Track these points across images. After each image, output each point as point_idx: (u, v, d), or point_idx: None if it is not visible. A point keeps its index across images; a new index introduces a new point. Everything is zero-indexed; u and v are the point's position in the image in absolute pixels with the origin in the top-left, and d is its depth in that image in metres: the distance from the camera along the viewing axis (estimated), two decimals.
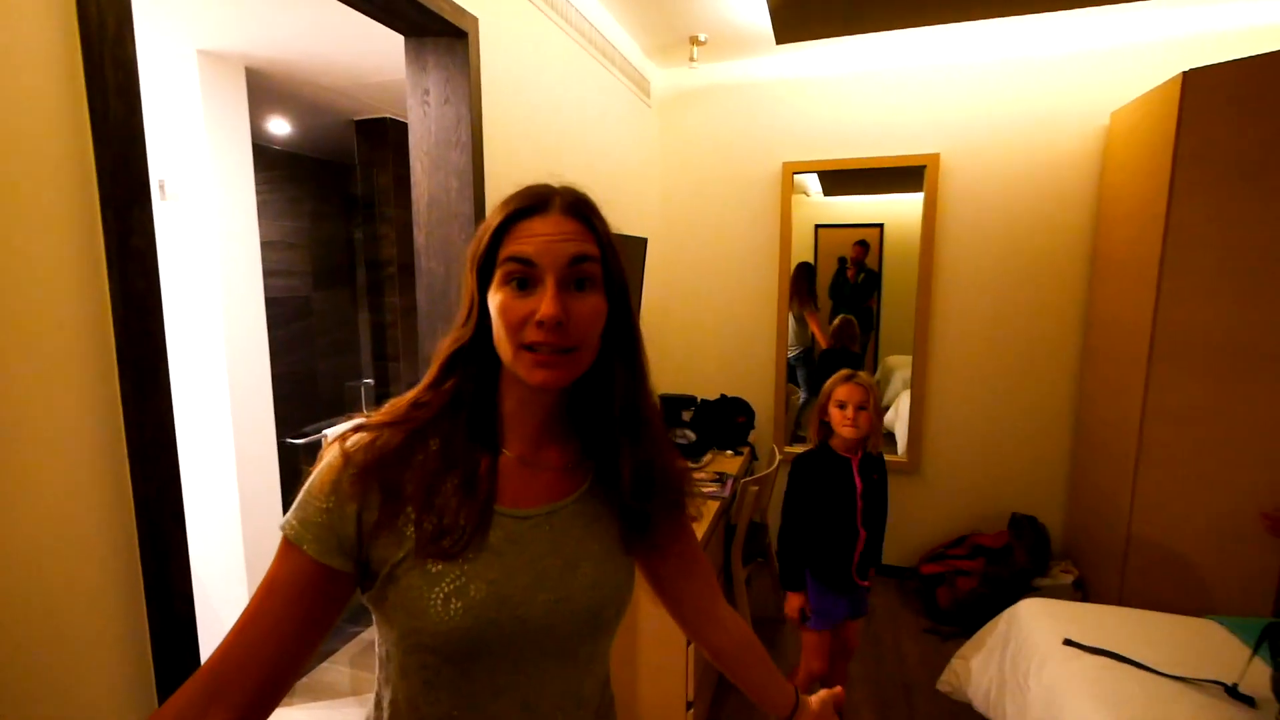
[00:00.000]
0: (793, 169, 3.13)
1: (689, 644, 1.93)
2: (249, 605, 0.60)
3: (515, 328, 0.62)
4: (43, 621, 0.80)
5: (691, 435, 2.74)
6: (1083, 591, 2.65)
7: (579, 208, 0.66)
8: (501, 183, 1.78)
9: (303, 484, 0.63)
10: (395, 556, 0.61)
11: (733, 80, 3.18)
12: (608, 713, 0.79)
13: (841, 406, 1.89)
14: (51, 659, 0.81)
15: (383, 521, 0.61)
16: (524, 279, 0.63)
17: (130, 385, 0.84)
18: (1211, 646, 1.79)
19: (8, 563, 0.76)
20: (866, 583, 1.98)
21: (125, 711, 0.89)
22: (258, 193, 2.28)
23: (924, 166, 2.96)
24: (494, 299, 0.64)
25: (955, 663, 2.18)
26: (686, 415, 2.89)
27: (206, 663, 0.58)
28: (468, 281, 0.68)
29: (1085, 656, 1.77)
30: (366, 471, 0.61)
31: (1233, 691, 1.58)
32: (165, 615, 0.91)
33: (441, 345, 0.69)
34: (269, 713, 0.60)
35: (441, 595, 0.61)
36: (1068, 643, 1.82)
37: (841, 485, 1.91)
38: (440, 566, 0.61)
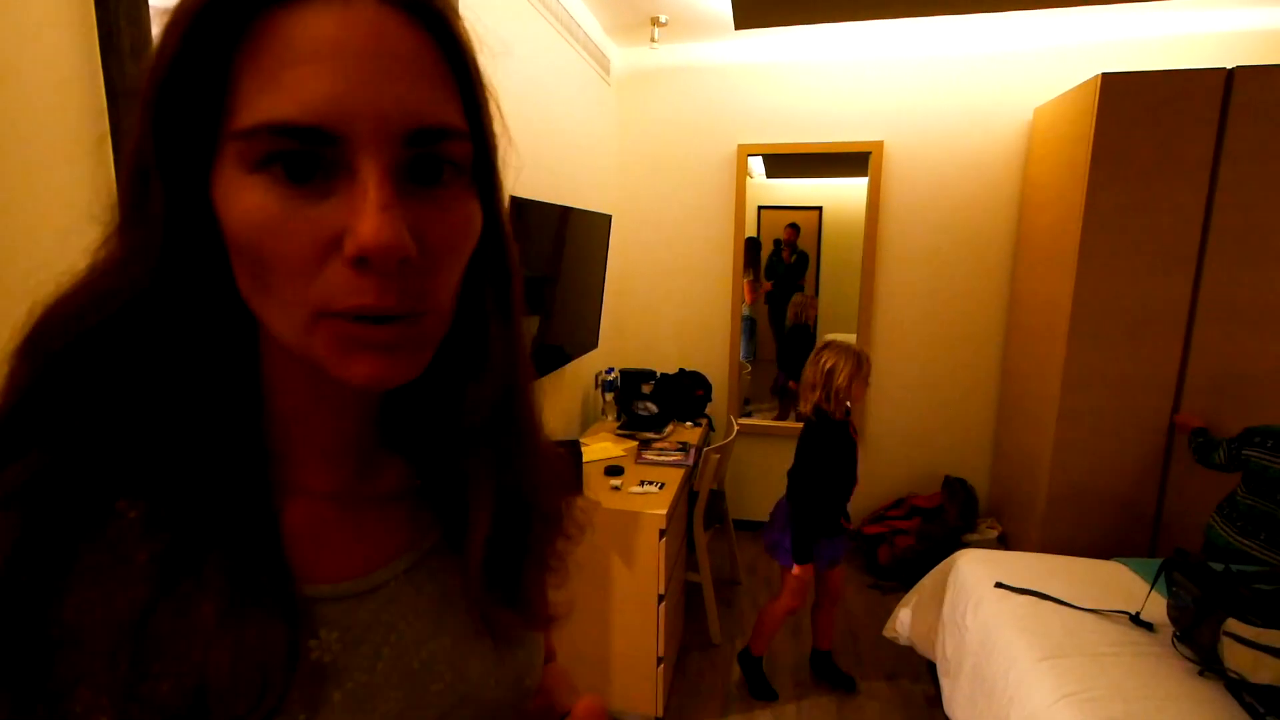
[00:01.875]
0: (747, 151, 3.25)
1: (660, 603, 2.05)
2: None
3: (301, 268, 0.31)
4: None
5: (654, 407, 2.85)
6: (1005, 545, 2.94)
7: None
8: None
9: None
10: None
11: (691, 62, 3.26)
12: None
13: (867, 384, 2.15)
14: None
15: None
16: (309, 161, 0.30)
17: None
18: (1118, 584, 2.04)
19: None
20: (850, 524, 2.26)
21: None
22: None
23: (869, 153, 3.14)
24: (233, 202, 0.31)
25: (899, 610, 2.39)
26: (647, 388, 3.00)
27: None
28: (134, 161, 0.32)
29: (1014, 597, 1.99)
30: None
31: (1136, 619, 1.83)
32: None
33: (66, 293, 0.33)
34: None
35: None
36: (999, 585, 2.04)
37: (848, 445, 2.17)
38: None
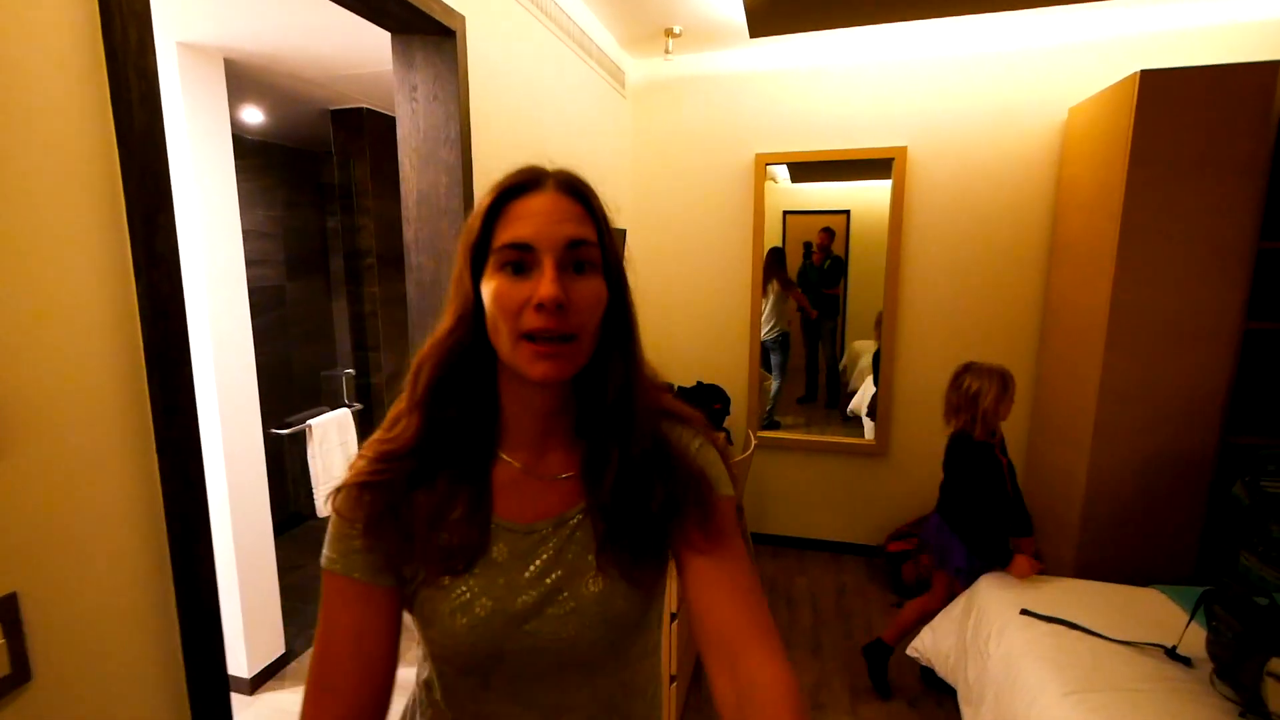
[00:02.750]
0: (765, 160, 3.20)
1: (673, 620, 2.02)
2: (316, 642, 0.63)
3: (513, 314, 0.59)
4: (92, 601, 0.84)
5: None
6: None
7: (574, 186, 0.64)
8: (489, 179, 1.82)
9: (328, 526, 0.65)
10: (414, 573, 0.63)
11: (706, 72, 3.23)
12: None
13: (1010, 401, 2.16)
14: (91, 646, 0.85)
15: (401, 543, 0.62)
16: (520, 263, 0.60)
17: (157, 385, 0.88)
18: (1155, 613, 1.93)
19: (53, 552, 0.80)
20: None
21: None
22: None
23: (892, 159, 3.06)
24: (488, 287, 0.61)
25: (924, 632, 2.30)
26: None
27: (310, 664, 0.63)
28: (460, 273, 0.64)
29: (1040, 624, 1.90)
30: (377, 500, 0.62)
31: (1171, 653, 1.72)
32: (194, 609, 0.95)
33: (431, 346, 0.66)
34: (381, 705, 0.62)
35: (448, 610, 0.62)
36: (1024, 612, 1.95)
37: (995, 464, 2.17)
38: (449, 581, 0.62)
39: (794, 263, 3.63)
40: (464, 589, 0.62)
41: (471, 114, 1.76)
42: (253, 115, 2.97)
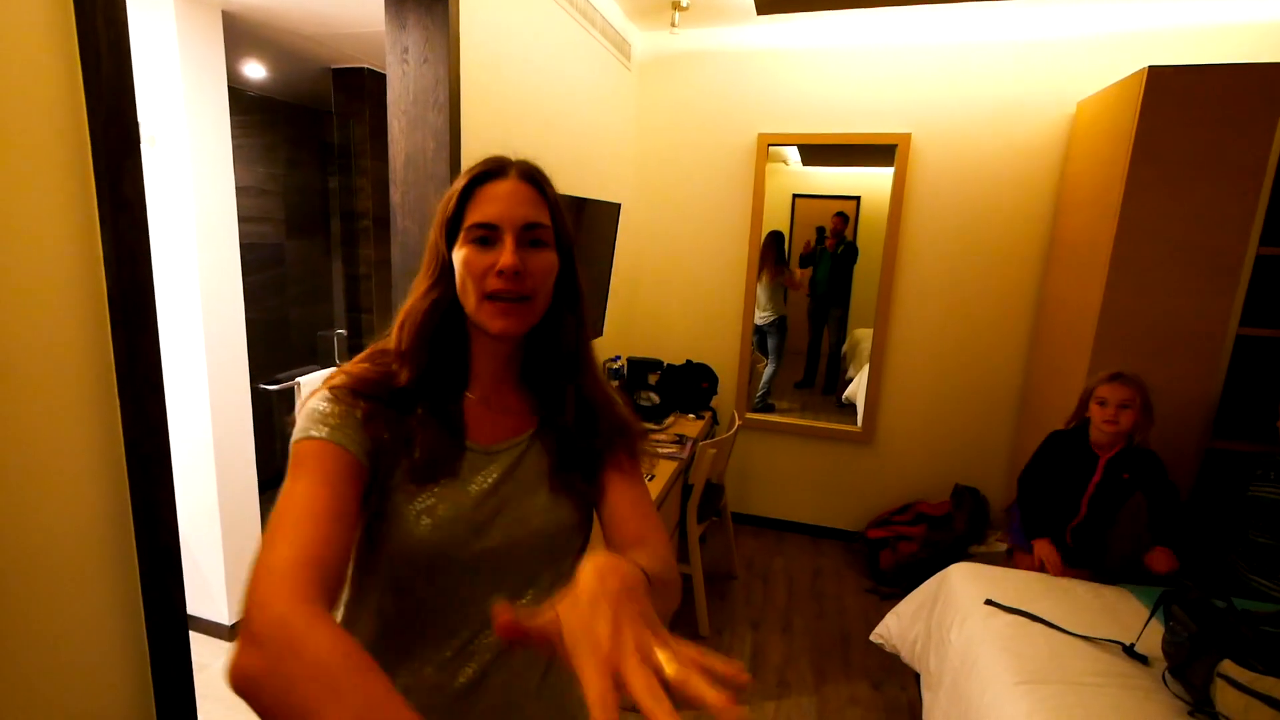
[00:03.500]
0: (768, 140, 3.18)
1: None
2: (296, 504, 0.59)
3: (479, 278, 0.71)
4: (39, 554, 0.87)
5: (655, 398, 2.84)
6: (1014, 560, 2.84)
7: (532, 175, 0.76)
8: (477, 144, 1.82)
9: (297, 416, 0.68)
10: (388, 478, 0.70)
11: (712, 48, 3.19)
12: None
13: (1102, 404, 2.02)
14: (48, 587, 0.88)
15: (383, 443, 0.69)
16: (486, 238, 0.72)
17: (121, 330, 0.90)
18: (1119, 611, 1.95)
19: (10, 492, 0.83)
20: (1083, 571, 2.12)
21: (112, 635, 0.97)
22: (233, 137, 2.27)
23: (895, 145, 3.03)
24: (459, 255, 0.73)
25: (889, 617, 2.33)
26: (652, 378, 2.98)
27: (284, 559, 0.54)
28: (434, 243, 0.76)
29: (1003, 615, 1.92)
30: (370, 400, 0.70)
31: (1129, 650, 1.74)
32: (153, 548, 0.98)
33: (413, 302, 0.77)
34: (337, 599, 0.59)
35: (414, 512, 0.70)
36: (988, 602, 1.98)
37: (1078, 472, 2.08)
38: (415, 488, 0.70)
39: (801, 247, 3.61)
40: (429, 496, 0.71)
41: (463, 79, 1.75)
42: (255, 70, 2.96)
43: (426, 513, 0.70)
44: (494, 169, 0.75)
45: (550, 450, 0.80)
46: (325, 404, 0.68)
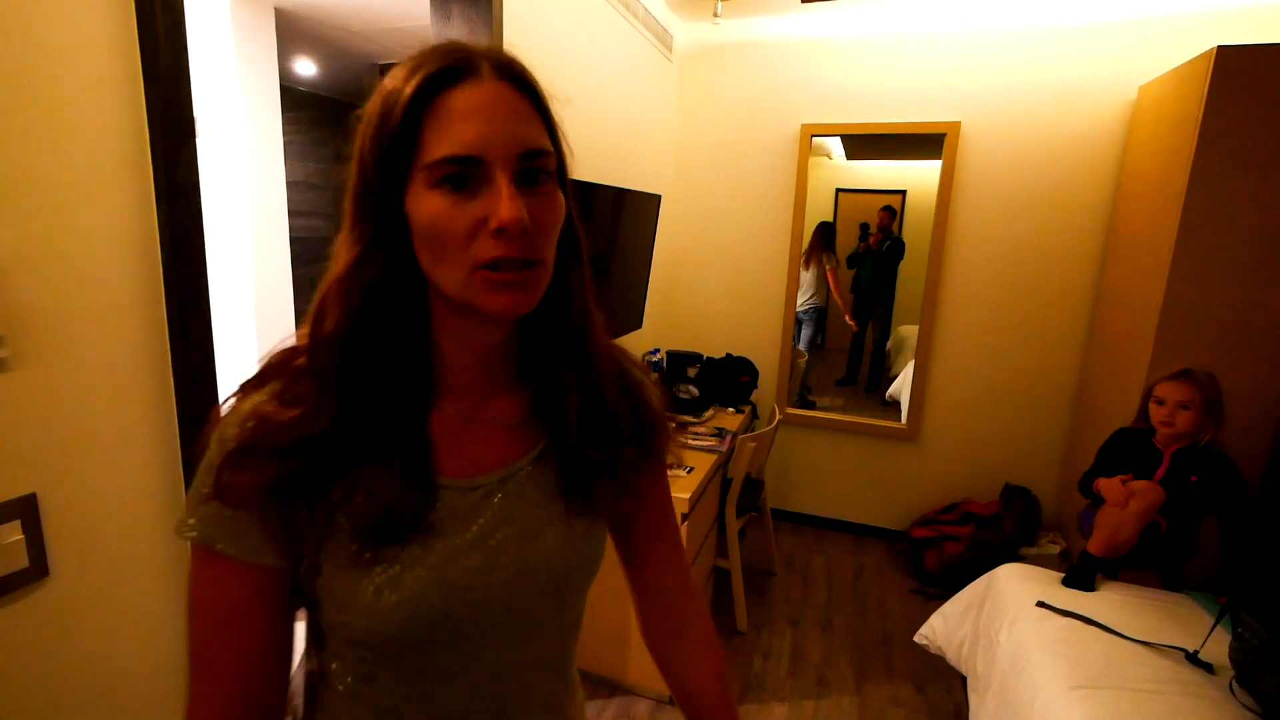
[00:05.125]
0: (811, 131, 3.12)
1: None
2: (214, 641, 0.51)
3: (462, 241, 0.48)
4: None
5: (694, 391, 2.82)
6: (1068, 562, 2.73)
7: (514, 72, 0.51)
8: None
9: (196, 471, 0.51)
10: (328, 556, 0.51)
11: (756, 38, 3.15)
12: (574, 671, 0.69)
13: (1160, 403, 1.92)
14: (103, 580, 0.92)
15: (309, 523, 0.50)
16: (461, 176, 0.47)
17: (175, 312, 0.93)
18: (1180, 618, 1.86)
19: (71, 458, 0.86)
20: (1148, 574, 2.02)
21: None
22: (283, 133, 2.33)
23: (944, 135, 2.94)
24: (420, 207, 0.48)
25: (934, 618, 2.27)
26: (691, 371, 2.96)
27: (215, 710, 0.50)
28: (358, 186, 0.51)
29: (1055, 618, 1.85)
30: (281, 458, 0.48)
31: (1192, 657, 1.66)
32: None
33: (333, 283, 0.52)
34: (278, 692, 0.54)
35: (372, 587, 0.50)
36: (1040, 604, 1.91)
37: (1143, 468, 1.96)
38: (370, 555, 0.50)
39: (845, 242, 3.53)
40: (391, 561, 0.51)
41: None
42: (305, 67, 3.04)
43: (389, 585, 0.50)
44: (458, 64, 0.49)
45: (557, 465, 0.60)
46: (220, 491, 0.48)
